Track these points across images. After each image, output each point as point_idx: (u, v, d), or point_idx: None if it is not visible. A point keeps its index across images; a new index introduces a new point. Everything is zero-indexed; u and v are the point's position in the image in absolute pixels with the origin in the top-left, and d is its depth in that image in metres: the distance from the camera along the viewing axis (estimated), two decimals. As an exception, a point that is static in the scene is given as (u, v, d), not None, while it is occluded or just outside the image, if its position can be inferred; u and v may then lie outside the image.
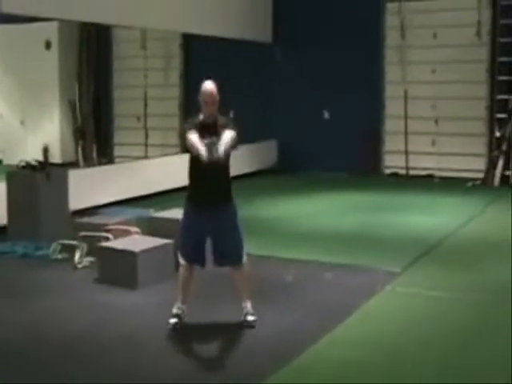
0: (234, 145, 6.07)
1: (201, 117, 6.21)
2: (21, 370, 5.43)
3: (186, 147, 6.12)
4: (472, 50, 15.02)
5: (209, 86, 6.17)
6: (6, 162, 15.15)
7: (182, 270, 6.40)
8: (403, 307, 6.96)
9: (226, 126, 6.11)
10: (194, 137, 5.96)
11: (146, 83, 16.73)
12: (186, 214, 6.38)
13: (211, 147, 5.86)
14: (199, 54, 16.51)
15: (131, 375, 5.34)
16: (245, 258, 6.38)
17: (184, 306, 6.33)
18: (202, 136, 5.98)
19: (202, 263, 6.37)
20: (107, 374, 5.36)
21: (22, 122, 16.89)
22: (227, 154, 6.02)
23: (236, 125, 6.21)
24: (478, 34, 14.78)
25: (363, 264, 8.34)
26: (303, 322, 6.49)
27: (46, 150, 16.23)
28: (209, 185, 6.16)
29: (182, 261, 6.38)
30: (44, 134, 16.67)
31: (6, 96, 17.11)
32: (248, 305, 6.37)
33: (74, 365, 5.53)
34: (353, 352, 5.77)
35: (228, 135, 6.00)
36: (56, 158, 16.13)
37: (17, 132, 16.80)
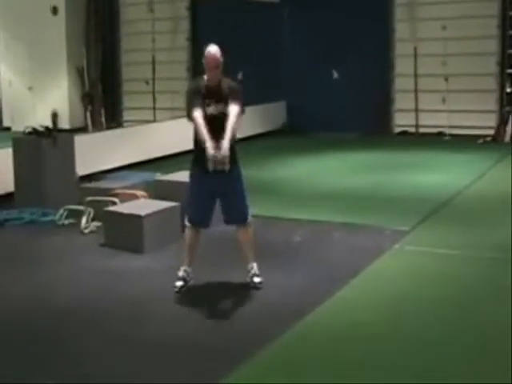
0: (238, 120, 6.06)
1: (205, 78, 6.16)
2: (27, 336, 5.42)
3: (188, 115, 6.09)
4: (483, 4, 14.81)
5: (212, 49, 6.12)
6: (15, 129, 15.10)
7: (187, 231, 6.37)
8: (412, 266, 6.91)
9: (229, 90, 6.09)
10: (200, 122, 5.96)
11: (153, 47, 16.64)
12: (192, 177, 6.36)
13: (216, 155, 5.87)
14: (207, 16, 16.38)
15: (137, 339, 5.33)
16: (250, 218, 6.34)
17: (190, 268, 6.30)
18: (206, 102, 6.02)
19: (207, 225, 6.35)
20: (114, 339, 5.35)
21: (31, 89, 16.85)
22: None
23: (240, 87, 6.19)
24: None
25: (372, 223, 8.29)
26: (310, 282, 6.45)
27: (54, 116, 16.31)
28: None
29: (187, 223, 6.35)
30: (52, 100, 16.64)
31: (13, 63, 17.07)
32: (254, 266, 6.33)
33: (81, 330, 5.52)
34: (360, 313, 5.73)
35: (231, 123, 5.98)
36: (65, 123, 16.19)
37: (25, 99, 16.77)
